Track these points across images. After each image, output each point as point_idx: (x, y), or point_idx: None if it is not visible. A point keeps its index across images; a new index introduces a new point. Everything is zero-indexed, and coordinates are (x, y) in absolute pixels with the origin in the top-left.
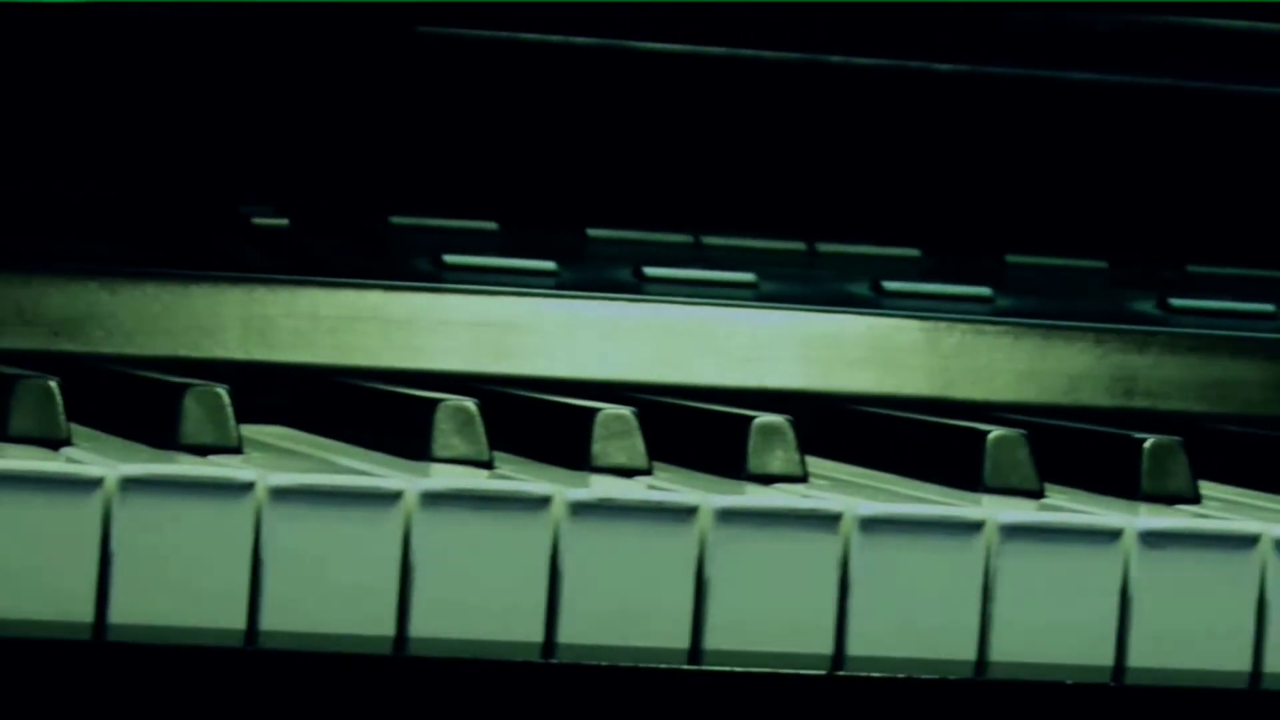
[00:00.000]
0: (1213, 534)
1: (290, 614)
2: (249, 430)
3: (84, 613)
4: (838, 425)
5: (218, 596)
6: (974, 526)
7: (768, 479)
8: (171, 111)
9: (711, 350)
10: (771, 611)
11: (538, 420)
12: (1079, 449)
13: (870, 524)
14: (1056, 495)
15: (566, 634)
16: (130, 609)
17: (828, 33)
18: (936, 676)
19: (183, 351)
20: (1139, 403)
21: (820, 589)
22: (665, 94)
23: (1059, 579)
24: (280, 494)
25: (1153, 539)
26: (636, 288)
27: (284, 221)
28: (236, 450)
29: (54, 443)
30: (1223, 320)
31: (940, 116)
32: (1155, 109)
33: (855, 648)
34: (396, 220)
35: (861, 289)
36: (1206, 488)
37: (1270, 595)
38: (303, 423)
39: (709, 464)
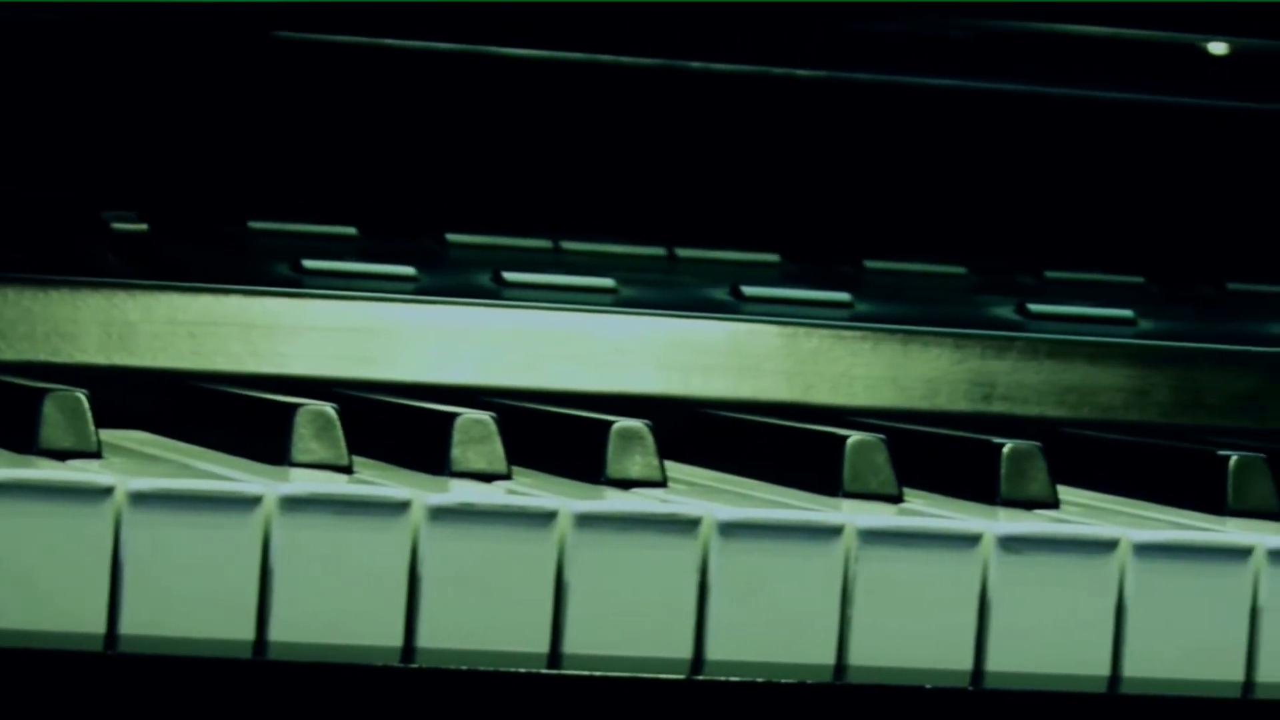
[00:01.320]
0: (1071, 539)
1: (150, 619)
2: (108, 435)
3: None
4: (697, 430)
5: (77, 601)
6: (833, 531)
7: (627, 484)
8: (31, 116)
9: (571, 355)
10: (631, 616)
11: (397, 425)
12: (938, 454)
13: (729, 529)
14: (916, 500)
15: (426, 638)
16: None
17: (687, 39)
18: (795, 680)
19: (42, 356)
20: (998, 408)
21: (679, 594)
22: (525, 99)
23: (918, 583)
24: (139, 499)
25: (1011, 543)
26: (496, 293)
27: (144, 227)
28: (96, 455)
29: None
30: (1081, 325)
31: (800, 122)
32: (1012, 115)
33: (714, 652)
34: (256, 225)
35: (721, 294)
36: (1065, 492)
37: (1129, 599)
38: (163, 428)
39: (569, 469)
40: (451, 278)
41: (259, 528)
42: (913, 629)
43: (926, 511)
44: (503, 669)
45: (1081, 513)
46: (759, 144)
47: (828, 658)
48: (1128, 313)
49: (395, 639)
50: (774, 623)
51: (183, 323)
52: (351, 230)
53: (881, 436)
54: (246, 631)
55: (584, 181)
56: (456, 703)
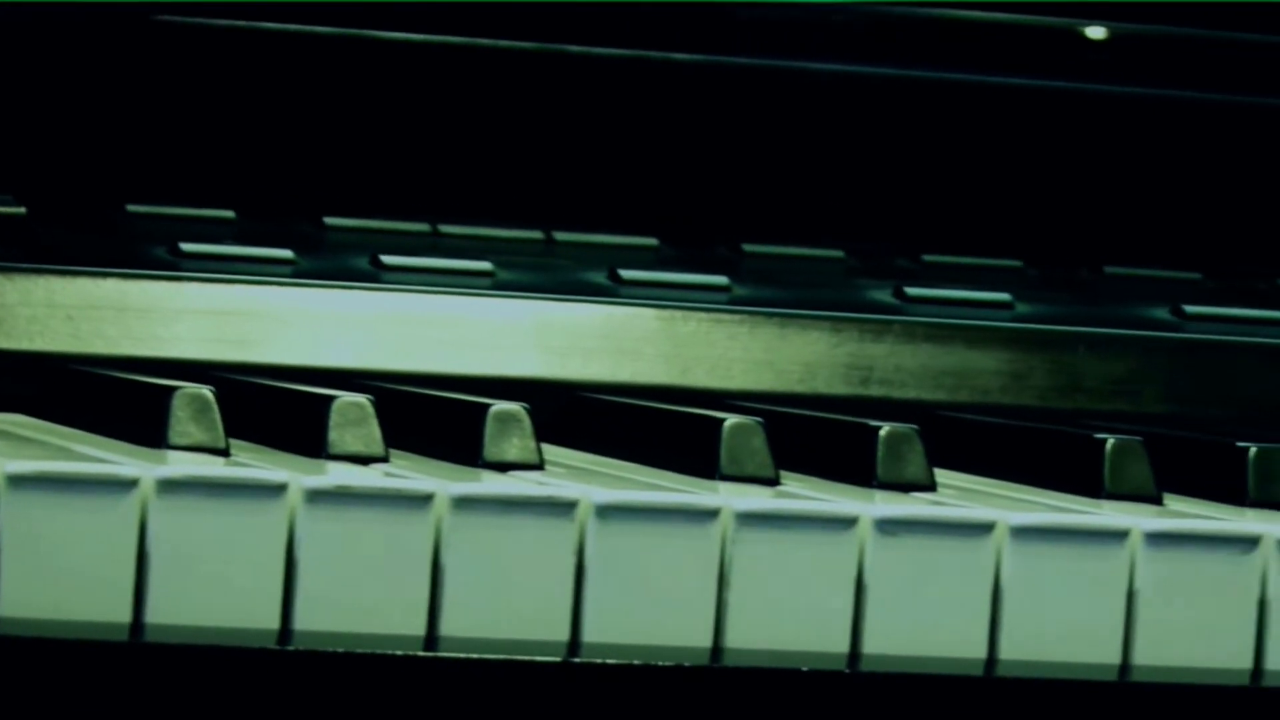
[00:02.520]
0: (948, 521)
1: (26, 601)
2: None
3: None
4: (575, 413)
5: None
6: (709, 514)
7: (504, 467)
8: None
9: (449, 339)
10: (508, 598)
11: (275, 408)
12: (815, 437)
13: (606, 511)
14: (793, 483)
15: (303, 620)
16: None
17: (566, 23)
18: (673, 663)
19: None
20: (875, 391)
21: (556, 576)
22: (405, 83)
23: (795, 566)
24: (16, 481)
25: (887, 526)
26: (374, 276)
27: (21, 210)
28: None
29: None
30: (958, 309)
31: (678, 107)
32: (891, 99)
33: (591, 634)
34: (134, 209)
35: (599, 278)
36: (942, 475)
37: (1005, 582)
38: (40, 411)
39: (446, 452)
40: (329, 261)
41: (136, 510)
42: (790, 611)
43: (803, 494)
44: (379, 651)
45: (958, 496)
46: (638, 128)
47: (704, 640)
48: (1005, 296)
49: (272, 621)
50: (651, 605)
51: (60, 306)
52: (229, 213)
53: (758, 419)
54: (123, 614)
55: (462, 165)
56: (333, 685)
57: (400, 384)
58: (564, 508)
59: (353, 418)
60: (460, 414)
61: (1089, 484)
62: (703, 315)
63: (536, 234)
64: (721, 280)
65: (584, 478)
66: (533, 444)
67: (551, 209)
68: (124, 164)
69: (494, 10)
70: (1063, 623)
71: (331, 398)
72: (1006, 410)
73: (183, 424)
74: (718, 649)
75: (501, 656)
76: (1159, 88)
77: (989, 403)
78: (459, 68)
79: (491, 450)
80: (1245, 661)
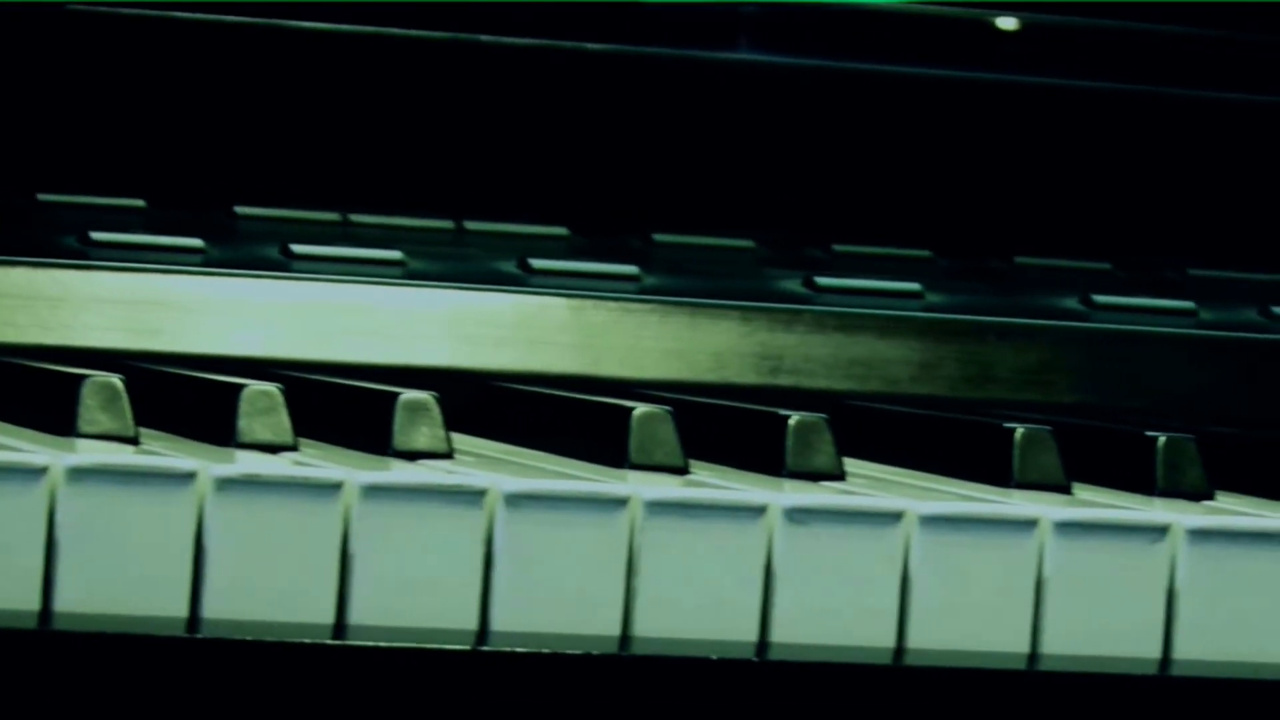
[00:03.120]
0: (857, 510)
1: None
2: None
3: None
4: (485, 402)
5: None
6: (618, 503)
7: (414, 456)
8: None
9: (359, 328)
10: (417, 587)
11: (184, 397)
12: (725, 426)
13: (515, 500)
14: (702, 472)
15: (212, 609)
16: None
17: (478, 12)
18: (581, 652)
19: None
20: (785, 380)
21: (465, 565)
22: (316, 72)
23: (704, 555)
24: None
25: (797, 515)
26: (284, 265)
27: None
28: None
29: None
30: (869, 299)
31: (589, 96)
32: (802, 89)
33: (500, 623)
34: (44, 197)
35: (509, 267)
36: (852, 465)
37: (914, 571)
38: None
39: (356, 441)
40: (240, 250)
41: (44, 498)
42: (698, 600)
43: (712, 483)
44: (288, 640)
45: (868, 485)
46: (548, 118)
47: (613, 629)
48: (915, 286)
49: (181, 610)
50: (560, 594)
51: None
52: (140, 202)
53: (668, 409)
54: (32, 603)
55: (372, 155)
56: (241, 673)
57: (310, 373)
58: (473, 496)
59: (262, 406)
60: (370, 403)
61: (998, 473)
62: (613, 305)
63: (447, 223)
64: (632, 270)
65: (493, 466)
66: (442, 433)
67: (462, 198)
68: (35, 153)
69: (407, 1)
70: (971, 612)
71: (241, 386)
72: (916, 400)
73: (92, 412)
74: (626, 637)
75: (410, 645)
76: (1069, 78)
77: (899, 392)
78: (371, 57)
79: (401, 439)
80: (1154, 651)
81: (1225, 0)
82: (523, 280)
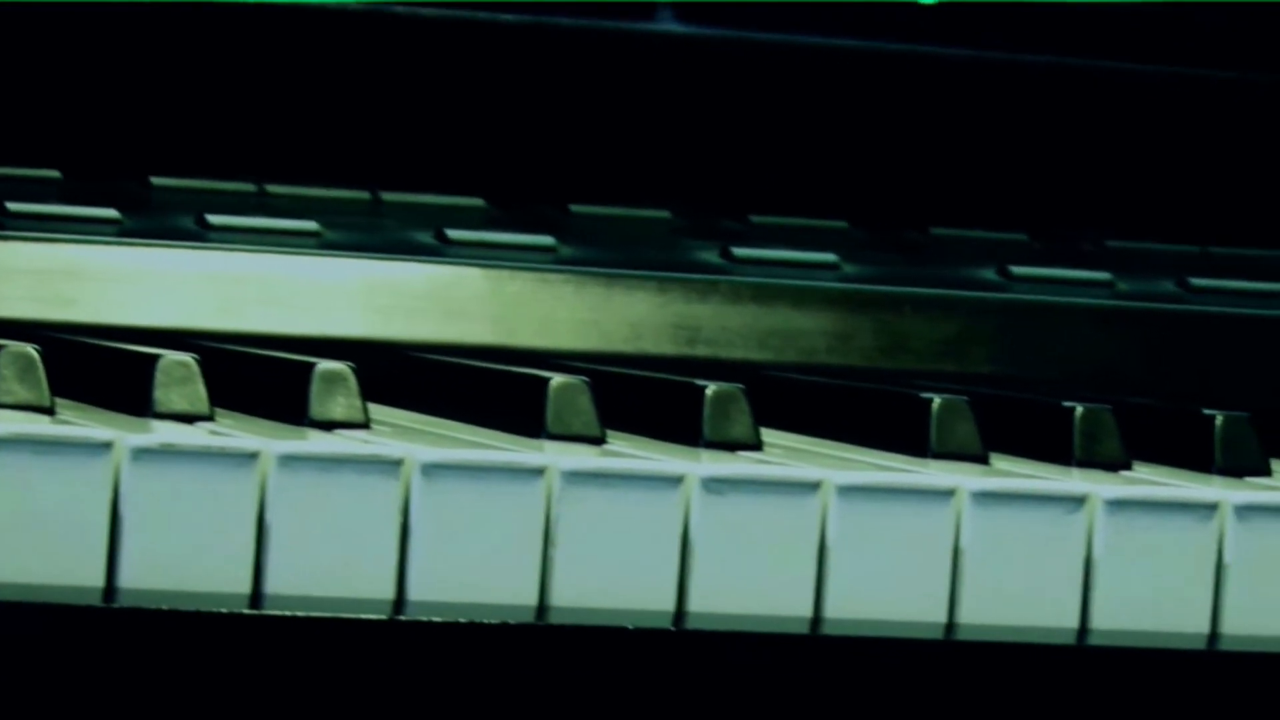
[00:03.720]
0: (774, 480)
1: None
2: None
3: None
4: (402, 373)
5: None
6: (535, 472)
7: (330, 426)
8: None
9: (275, 298)
10: (334, 557)
11: (100, 367)
12: (642, 396)
13: (431, 470)
14: (619, 442)
15: (129, 579)
16: None
17: None
18: (499, 621)
19: None
20: (702, 351)
21: (382, 535)
22: (227, 43)
23: (621, 525)
24: None
25: (714, 485)
26: (200, 236)
27: None
28: None
29: None
30: (785, 270)
31: (504, 67)
32: (716, 61)
33: (416, 593)
34: None
35: (425, 238)
36: (769, 435)
37: (831, 540)
38: None
39: (272, 411)
40: (155, 220)
41: None
42: (616, 570)
43: (629, 453)
44: (205, 609)
45: (785, 455)
46: (464, 88)
47: (530, 599)
48: (831, 257)
49: (98, 579)
50: (477, 564)
51: None
52: (54, 173)
53: (585, 379)
54: None
55: (288, 125)
56: (158, 643)
57: (226, 343)
58: (389, 466)
59: (178, 376)
60: (286, 373)
61: (916, 444)
62: (529, 275)
63: (363, 194)
64: (548, 240)
65: (410, 437)
66: (359, 403)
67: (378, 169)
68: None
69: None
70: (888, 581)
71: (157, 357)
72: (833, 370)
73: (7, 382)
74: (543, 607)
75: (327, 614)
76: (986, 50)
77: (815, 363)
78: (285, 27)
79: (317, 409)
80: (1072, 620)
81: None
82: (439, 251)
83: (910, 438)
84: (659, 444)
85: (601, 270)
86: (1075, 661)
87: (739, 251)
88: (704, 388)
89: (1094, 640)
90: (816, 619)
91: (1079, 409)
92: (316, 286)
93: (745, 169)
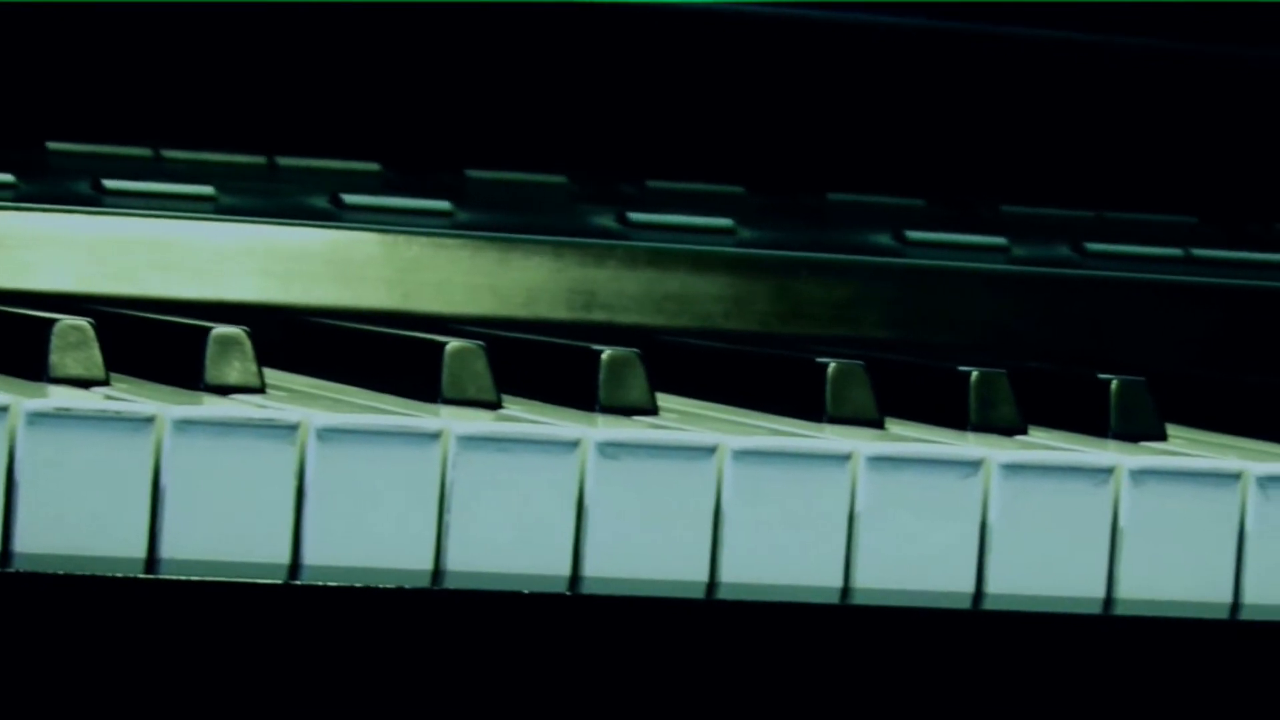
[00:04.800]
0: (670, 445)
1: None
2: None
3: None
4: (298, 338)
5: None
6: (431, 436)
7: (226, 390)
8: None
9: (171, 263)
10: (230, 521)
11: None
12: (538, 361)
13: (327, 434)
14: (515, 407)
15: (24, 543)
16: None
17: None
18: (394, 586)
19: None
20: (598, 316)
21: (277, 499)
22: (124, 7)
23: (516, 489)
24: None
25: (609, 449)
26: (96, 200)
27: None
28: None
29: None
30: (681, 235)
31: (399, 31)
32: (610, 25)
33: (312, 557)
34: None
35: (321, 202)
36: (666, 400)
37: (726, 505)
38: None
39: (168, 376)
40: (51, 185)
41: None
42: (511, 534)
43: (525, 418)
44: (100, 574)
45: (681, 420)
46: (360, 53)
47: (426, 563)
48: (728, 222)
49: None
50: (373, 528)
51: None
52: None
53: (480, 343)
54: None
55: (184, 91)
56: (53, 607)
57: (122, 308)
58: (285, 430)
59: (73, 341)
60: (182, 338)
61: (811, 408)
62: (425, 240)
63: (260, 159)
64: (444, 205)
65: (306, 401)
66: (254, 367)
67: (274, 135)
68: None
69: None
70: (784, 545)
71: (52, 321)
72: (729, 335)
73: None
74: (439, 572)
75: (223, 579)
76: (879, 14)
77: (712, 328)
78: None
79: (213, 374)
80: (967, 585)
81: None
82: (335, 215)
83: (806, 402)
84: (555, 408)
85: (498, 235)
86: (970, 625)
87: (635, 216)
88: (599, 352)
89: (990, 605)
90: (712, 583)
91: (974, 373)
92: (212, 251)
93: (642, 134)
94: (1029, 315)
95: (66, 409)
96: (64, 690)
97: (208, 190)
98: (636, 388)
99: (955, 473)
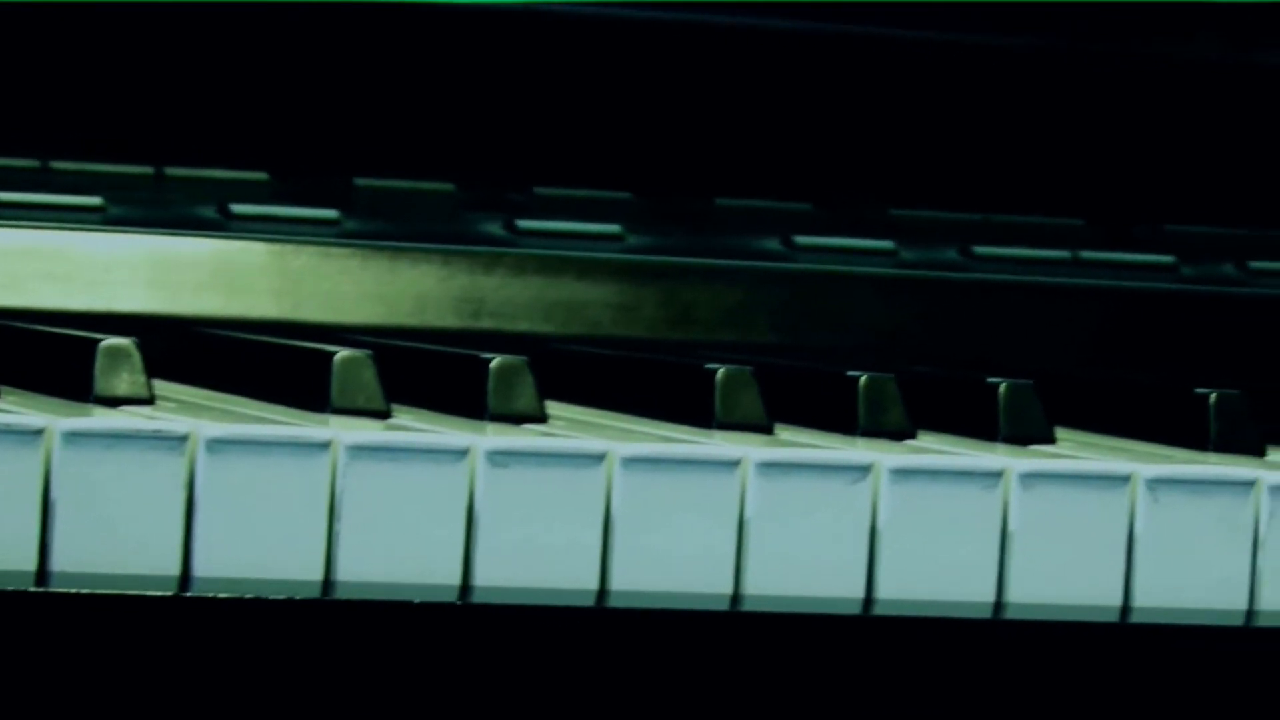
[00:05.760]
0: (559, 453)
1: None
2: None
3: None
4: (187, 348)
5: None
6: (320, 446)
7: (115, 402)
8: None
9: (59, 274)
10: (120, 533)
11: None
12: (427, 370)
13: (216, 445)
14: (405, 416)
15: None
16: None
17: None
18: (284, 597)
19: None
20: (487, 324)
21: (167, 510)
22: (10, 19)
23: (406, 499)
24: None
25: (498, 458)
26: None
27: None
28: None
29: None
30: (569, 241)
31: (285, 41)
32: (493, 31)
33: (203, 569)
34: None
35: (209, 212)
36: (556, 408)
37: (616, 512)
38: None
39: (58, 388)
40: None
41: None
42: (402, 544)
43: (414, 427)
44: None
45: (570, 428)
46: (245, 63)
47: (317, 574)
48: (615, 229)
49: None
50: (263, 539)
51: None
52: None
53: (369, 353)
54: None
55: (72, 102)
56: None
57: (10, 319)
58: (174, 442)
59: None
60: (70, 349)
61: (701, 415)
62: (313, 249)
63: (147, 169)
64: (332, 214)
65: (196, 412)
66: (143, 379)
67: (162, 145)
68: None
69: None
70: (676, 552)
71: None
72: (619, 342)
73: None
74: (330, 582)
75: (114, 591)
76: (766, 17)
77: (601, 334)
78: (69, 7)
79: (102, 385)
80: (858, 590)
81: None
82: (223, 225)
83: (696, 409)
84: (445, 417)
85: (386, 243)
86: (861, 630)
87: (523, 224)
88: (488, 360)
89: (880, 610)
90: (603, 590)
91: (863, 378)
92: (100, 262)
93: (529, 141)
94: (917, 319)
95: None
96: None
97: (96, 201)
98: (525, 396)
99: (844, 478)
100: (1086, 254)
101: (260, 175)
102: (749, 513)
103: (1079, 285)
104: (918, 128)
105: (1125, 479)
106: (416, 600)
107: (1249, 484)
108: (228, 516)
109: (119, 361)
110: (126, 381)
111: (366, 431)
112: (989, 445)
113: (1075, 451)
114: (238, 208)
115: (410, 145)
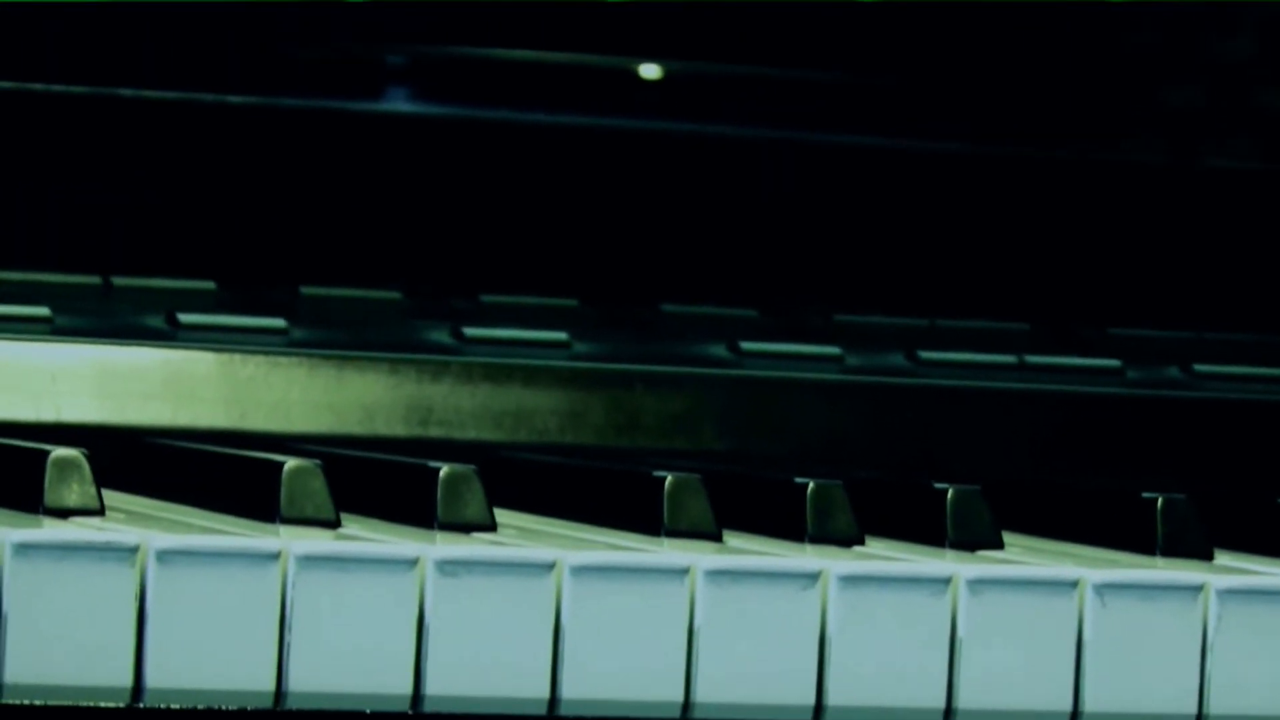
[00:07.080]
0: (508, 562)
1: None
2: None
3: None
4: (136, 458)
5: None
6: (270, 557)
7: (65, 513)
8: None
9: (6, 385)
10: (71, 644)
11: None
12: (376, 479)
13: (166, 556)
14: (354, 525)
15: None
16: None
17: (119, 64)
18: (237, 708)
19: None
20: (435, 432)
21: (118, 621)
22: None
23: (356, 608)
24: None
25: (448, 567)
26: None
27: None
28: None
29: None
30: (516, 349)
31: (232, 149)
32: (446, 138)
33: (154, 679)
34: None
35: (157, 322)
36: (505, 516)
37: (566, 621)
38: None
39: (7, 499)
40: None
41: None
42: (353, 654)
43: (364, 536)
44: None
45: (520, 536)
46: (191, 171)
47: (268, 684)
48: (562, 336)
49: None
50: (214, 649)
51: None
52: None
53: (317, 462)
54: None
55: (17, 212)
56: None
57: None
58: (124, 553)
59: None
60: (19, 460)
61: (649, 522)
62: (261, 358)
63: (94, 279)
64: (279, 323)
65: (145, 523)
66: (93, 490)
67: (109, 254)
68: None
69: (39, 49)
70: (626, 661)
71: None
72: (566, 449)
73: None
74: (281, 692)
75: (64, 703)
76: (710, 124)
77: (548, 442)
78: (9, 112)
79: (52, 497)
80: (808, 698)
81: (861, 46)
82: (170, 335)
83: (644, 516)
84: (394, 526)
85: (333, 352)
86: None
87: (470, 331)
88: (437, 469)
89: (831, 718)
90: (554, 699)
91: (811, 485)
92: (48, 372)
93: (475, 248)
94: (864, 424)
95: None
96: None
97: (43, 311)
98: (474, 504)
99: (794, 585)
100: (1032, 358)
101: (208, 284)
102: (698, 621)
103: (1025, 390)
104: (862, 233)
105: (1073, 584)
106: (368, 710)
107: (1197, 588)
108: (179, 627)
109: (68, 473)
110: (76, 493)
111: (316, 541)
112: (937, 551)
113: (1023, 557)
114: (185, 317)
115: (356, 253)
